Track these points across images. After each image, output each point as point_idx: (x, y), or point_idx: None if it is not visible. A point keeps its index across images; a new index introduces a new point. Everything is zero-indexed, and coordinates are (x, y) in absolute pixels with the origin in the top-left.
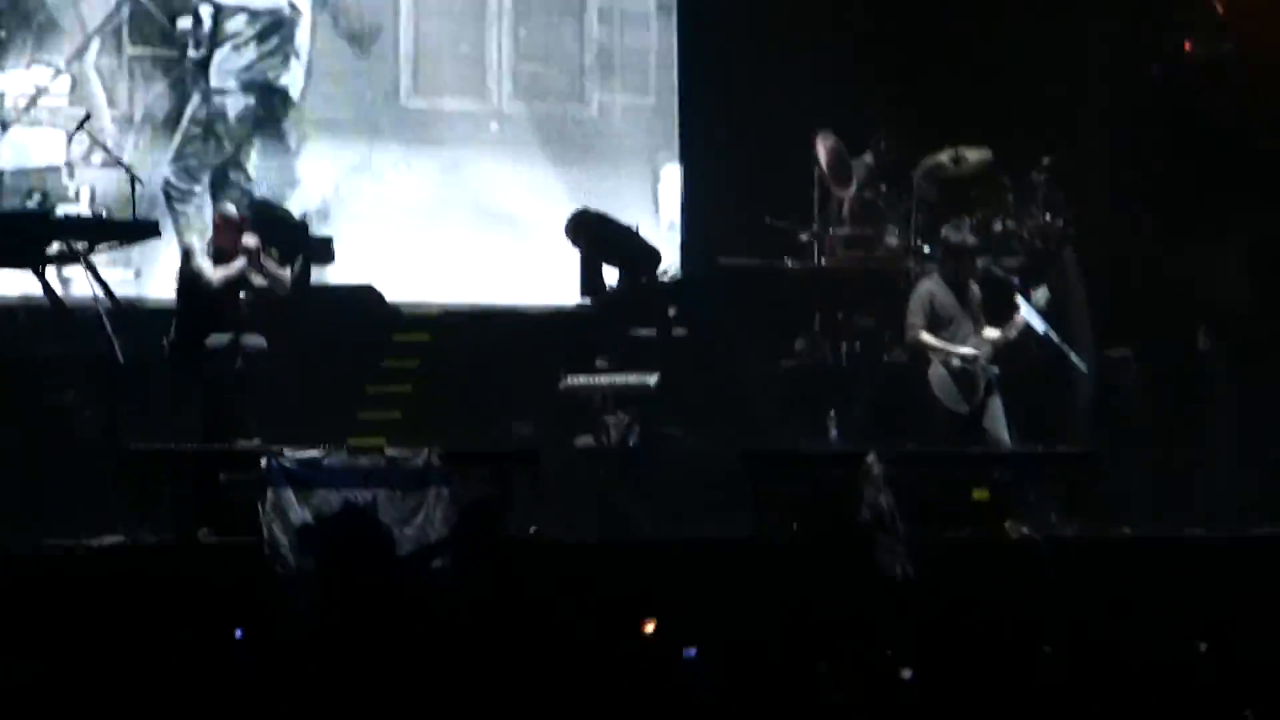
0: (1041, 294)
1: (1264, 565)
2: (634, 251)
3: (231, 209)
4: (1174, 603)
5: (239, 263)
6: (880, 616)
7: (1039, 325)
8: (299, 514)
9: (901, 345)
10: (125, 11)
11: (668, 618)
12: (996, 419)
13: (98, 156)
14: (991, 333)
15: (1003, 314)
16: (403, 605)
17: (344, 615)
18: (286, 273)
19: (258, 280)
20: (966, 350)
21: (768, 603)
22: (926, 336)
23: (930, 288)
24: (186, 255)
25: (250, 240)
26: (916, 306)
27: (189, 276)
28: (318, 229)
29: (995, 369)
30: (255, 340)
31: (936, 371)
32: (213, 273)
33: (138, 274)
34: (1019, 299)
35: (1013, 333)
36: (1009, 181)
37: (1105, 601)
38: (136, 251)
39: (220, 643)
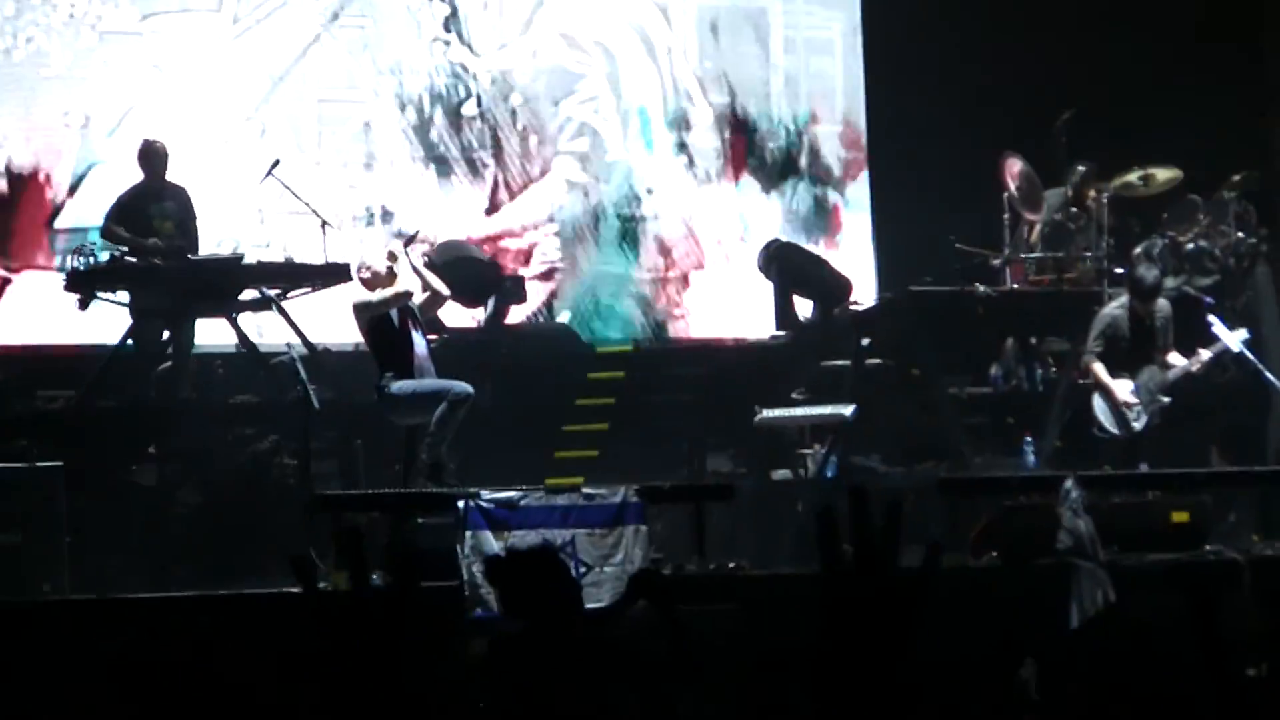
0: (1239, 335)
1: None
2: (826, 281)
3: (398, 246)
4: None
5: (399, 281)
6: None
7: (1234, 345)
8: (498, 555)
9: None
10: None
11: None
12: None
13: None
14: (1177, 360)
15: (1196, 333)
16: (597, 646)
17: (539, 656)
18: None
19: (421, 293)
20: (1125, 395)
21: (970, 629)
22: (1097, 366)
23: (1114, 313)
24: (369, 285)
25: (393, 250)
26: (1096, 331)
27: (363, 313)
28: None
29: (1166, 399)
30: (460, 387)
31: (1096, 397)
32: (375, 297)
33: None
34: (1212, 320)
35: (1196, 366)
36: (1199, 200)
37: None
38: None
39: (417, 684)
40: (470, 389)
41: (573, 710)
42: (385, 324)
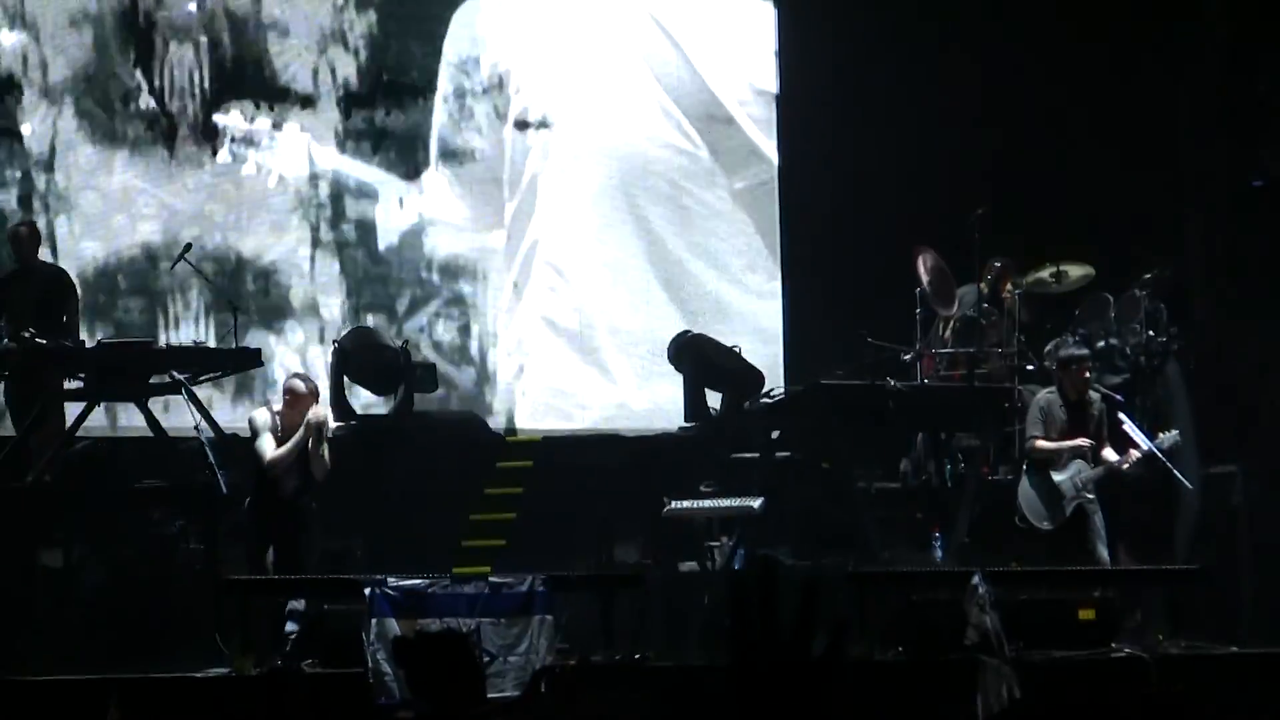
0: (1170, 437)
1: None
2: (736, 373)
3: (300, 384)
4: None
5: (292, 443)
6: None
7: (1144, 442)
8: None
9: (1005, 464)
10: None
11: None
12: (1097, 537)
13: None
14: (1110, 455)
15: (1113, 433)
16: None
17: None
18: (325, 459)
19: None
20: (1079, 444)
21: None
22: (1043, 443)
23: (1048, 398)
24: (253, 431)
25: (314, 417)
26: (1034, 417)
27: (255, 453)
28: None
29: (1090, 495)
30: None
31: (1024, 487)
32: (270, 453)
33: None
34: (1123, 418)
35: (1127, 464)
36: (1111, 298)
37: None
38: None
39: None
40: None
41: None
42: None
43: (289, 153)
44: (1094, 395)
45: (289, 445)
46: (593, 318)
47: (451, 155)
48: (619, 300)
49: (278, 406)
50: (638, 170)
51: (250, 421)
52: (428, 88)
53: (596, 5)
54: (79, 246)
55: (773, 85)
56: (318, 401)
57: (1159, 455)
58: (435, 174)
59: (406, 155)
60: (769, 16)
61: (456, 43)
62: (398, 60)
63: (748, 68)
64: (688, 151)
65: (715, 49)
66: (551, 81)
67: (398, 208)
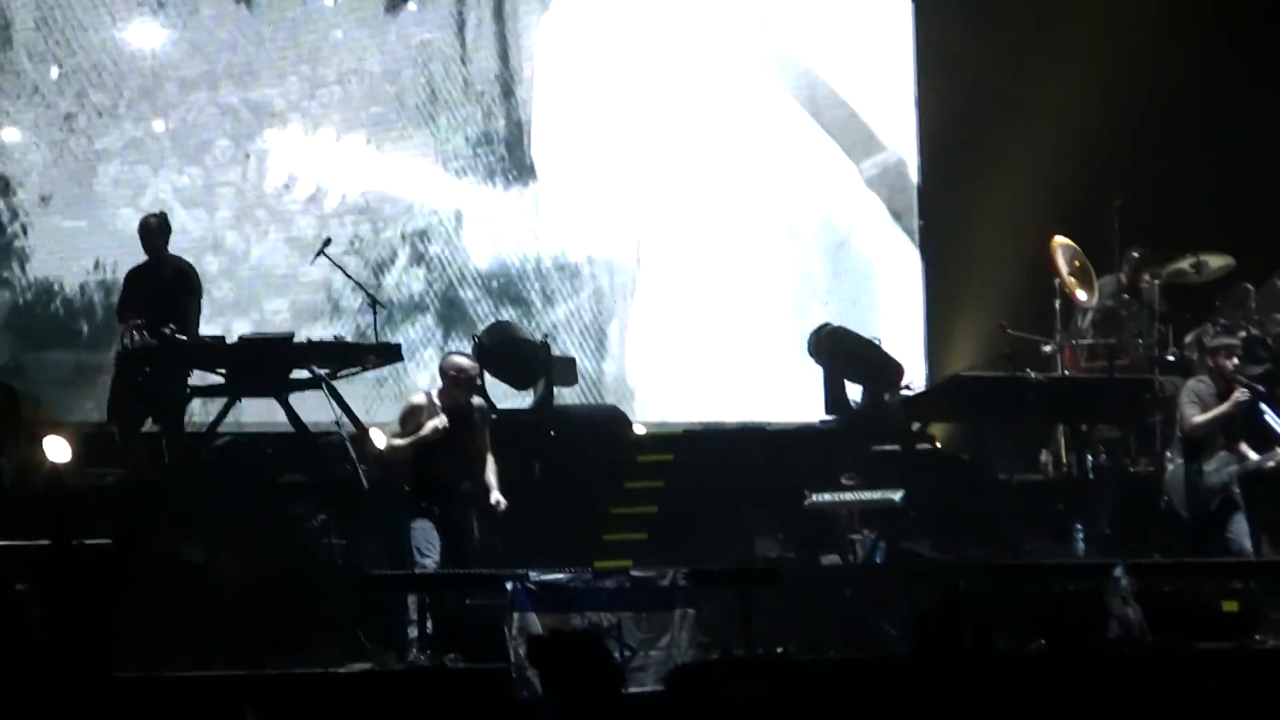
0: None
1: None
2: (877, 366)
3: (467, 362)
4: None
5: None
6: None
7: None
8: (544, 637)
9: (1146, 456)
10: None
11: None
12: (1240, 532)
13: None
14: (1250, 452)
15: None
16: None
17: None
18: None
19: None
20: (1237, 398)
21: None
22: (1201, 417)
23: (1198, 384)
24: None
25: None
26: (1189, 400)
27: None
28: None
29: (1236, 489)
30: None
31: (1173, 473)
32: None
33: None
34: (1265, 410)
35: (1271, 463)
36: (1251, 288)
37: None
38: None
39: None
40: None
41: None
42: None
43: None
44: (1236, 384)
45: (423, 430)
46: (730, 311)
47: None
48: (759, 294)
49: (434, 391)
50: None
51: (408, 408)
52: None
53: (709, 10)
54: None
55: (905, 77)
56: (482, 382)
57: None
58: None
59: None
60: (900, 10)
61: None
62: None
63: (875, 59)
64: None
65: (839, 44)
66: (673, 84)
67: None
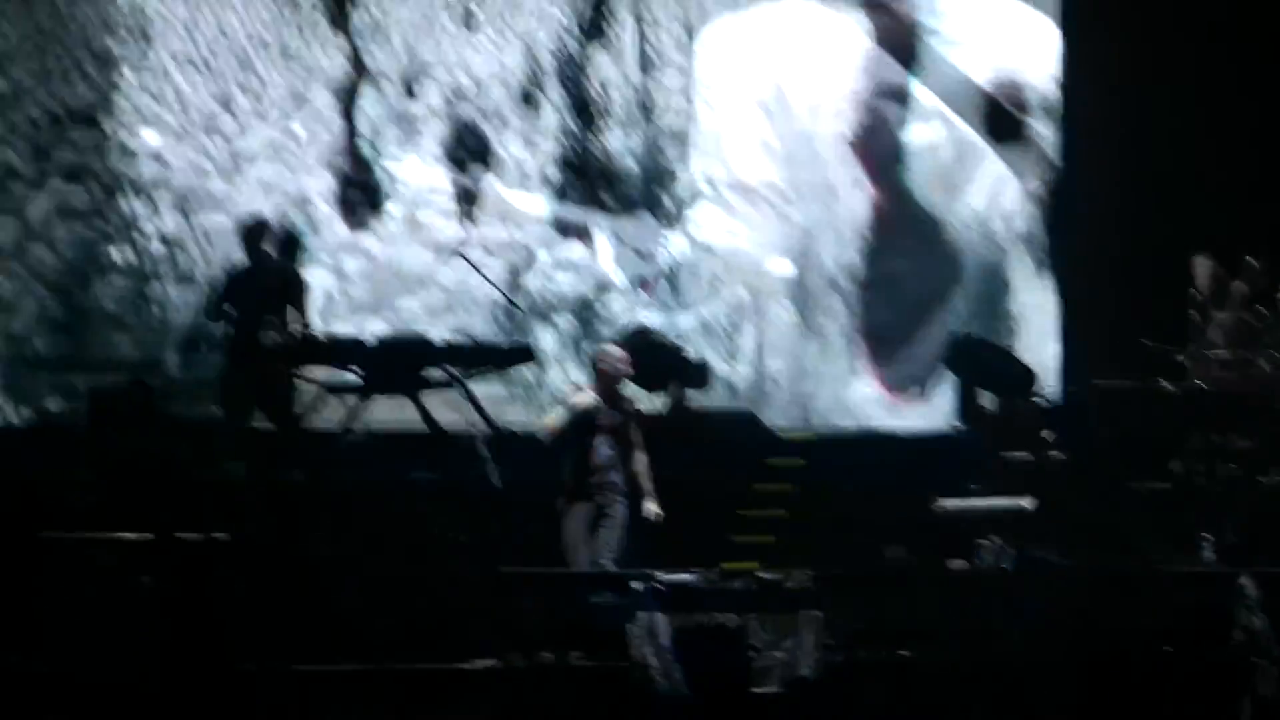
0: None
1: None
2: (1010, 374)
3: (610, 348)
4: None
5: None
6: None
7: None
8: (670, 637)
9: (1277, 466)
10: None
11: None
12: None
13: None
14: None
15: None
16: None
17: None
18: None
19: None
20: None
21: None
22: None
23: None
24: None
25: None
26: None
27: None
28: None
29: None
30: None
31: None
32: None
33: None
34: None
35: None
36: None
37: None
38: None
39: None
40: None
41: None
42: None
43: None
44: None
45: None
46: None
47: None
48: (886, 304)
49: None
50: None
51: (570, 406)
52: None
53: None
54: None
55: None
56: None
57: None
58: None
59: None
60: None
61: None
62: None
63: (1024, 66)
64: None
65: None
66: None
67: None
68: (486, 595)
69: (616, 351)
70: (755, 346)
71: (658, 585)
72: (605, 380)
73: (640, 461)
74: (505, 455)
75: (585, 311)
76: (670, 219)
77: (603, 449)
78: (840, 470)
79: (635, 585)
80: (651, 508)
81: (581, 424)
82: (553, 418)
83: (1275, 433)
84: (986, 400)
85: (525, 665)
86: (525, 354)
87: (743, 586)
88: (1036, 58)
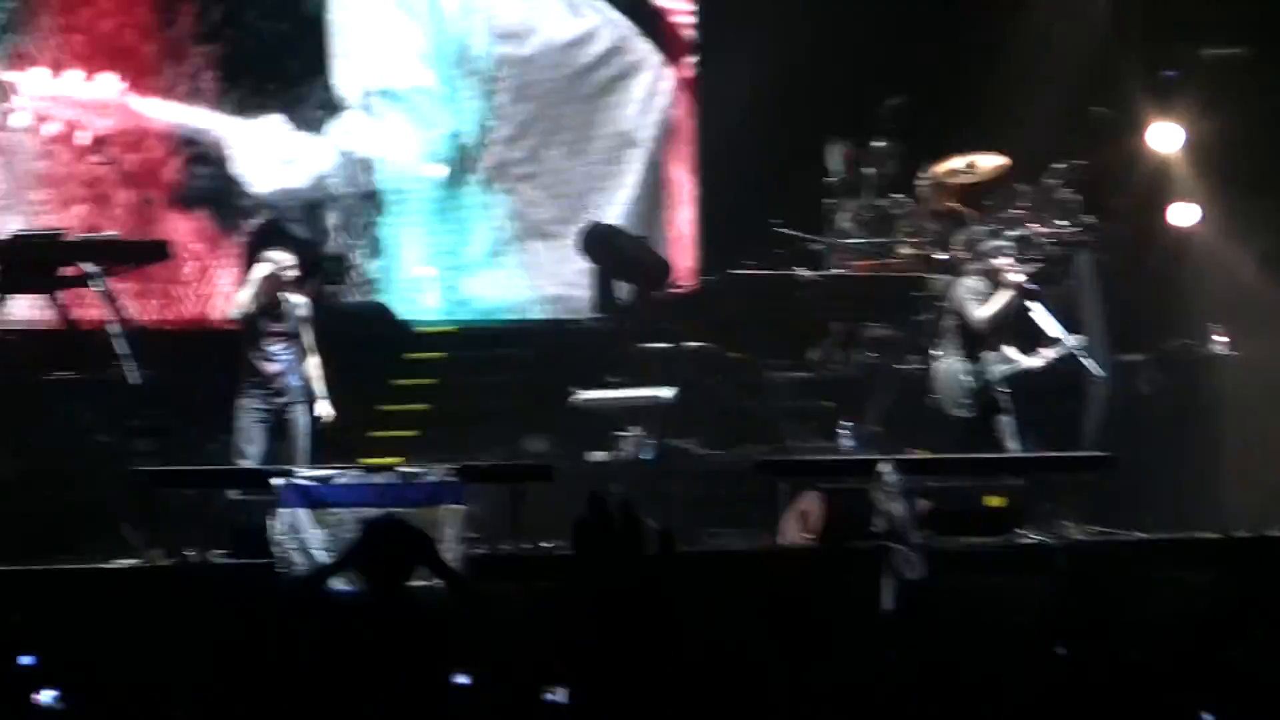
0: (1076, 340)
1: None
2: (646, 264)
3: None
4: (1189, 605)
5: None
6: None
7: (1055, 330)
8: (312, 533)
9: (915, 354)
10: None
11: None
12: (1008, 428)
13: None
14: (1016, 355)
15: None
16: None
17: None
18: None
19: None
20: (1017, 283)
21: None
22: (985, 311)
23: (974, 283)
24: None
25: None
26: (967, 297)
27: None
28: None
29: (1005, 388)
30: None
31: (944, 368)
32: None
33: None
34: (1033, 308)
35: (1038, 364)
36: (1024, 188)
37: (1119, 605)
38: None
39: (234, 664)
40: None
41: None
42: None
43: None
44: (1010, 282)
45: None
46: (503, 206)
47: None
48: (529, 189)
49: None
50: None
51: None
52: None
53: None
54: None
55: None
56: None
57: (1067, 347)
58: None
59: None
60: None
61: None
62: None
63: None
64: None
65: None
66: None
67: None
68: (127, 494)
69: (282, 255)
70: (398, 242)
71: (299, 481)
72: (271, 283)
73: (313, 364)
74: (144, 352)
75: (224, 208)
76: (313, 125)
77: (276, 353)
78: (481, 362)
79: (276, 482)
80: (325, 409)
81: (258, 316)
82: (242, 292)
83: (912, 320)
84: (624, 290)
85: (169, 564)
86: (160, 251)
87: (385, 481)
88: None
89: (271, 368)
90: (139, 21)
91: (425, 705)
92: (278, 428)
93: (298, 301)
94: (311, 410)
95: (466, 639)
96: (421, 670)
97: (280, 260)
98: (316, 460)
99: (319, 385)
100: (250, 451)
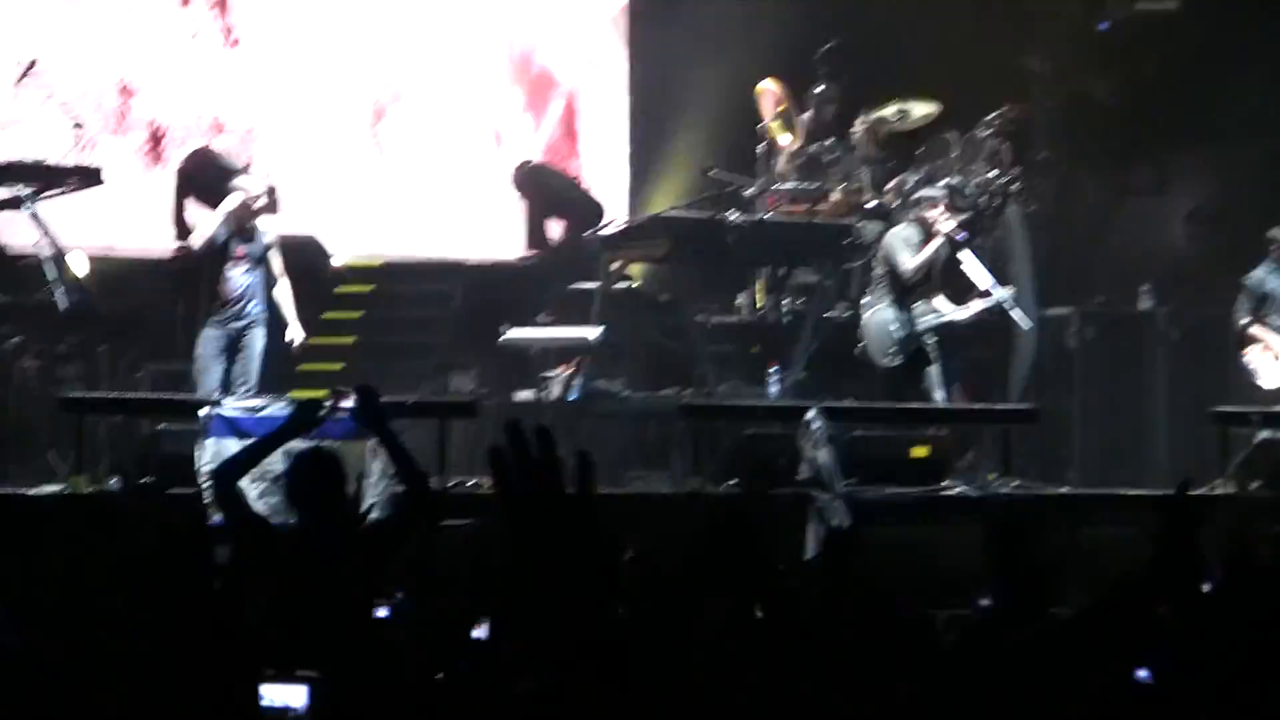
0: (1004, 292)
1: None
2: (577, 204)
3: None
4: (1112, 561)
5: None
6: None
7: (984, 281)
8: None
9: (843, 301)
10: None
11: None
12: (933, 381)
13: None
14: (944, 305)
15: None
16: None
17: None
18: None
19: None
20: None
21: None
22: (915, 260)
23: (904, 231)
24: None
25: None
26: (898, 245)
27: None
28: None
29: (932, 338)
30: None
31: (873, 316)
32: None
33: None
34: (964, 258)
35: (966, 314)
36: (954, 136)
37: (1040, 560)
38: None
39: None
40: None
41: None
42: None
43: None
44: (940, 231)
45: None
46: (430, 143)
47: None
48: (457, 127)
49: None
50: None
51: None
52: None
53: None
54: None
55: None
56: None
57: (996, 299)
58: None
59: None
60: None
61: None
62: None
63: None
64: None
65: None
66: None
67: None
68: (54, 420)
69: (254, 184)
70: (334, 176)
71: (225, 412)
72: (242, 212)
73: (284, 288)
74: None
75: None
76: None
77: (241, 277)
78: (410, 298)
79: (203, 413)
80: (297, 332)
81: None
82: (212, 222)
83: (843, 266)
84: (554, 229)
85: (94, 491)
86: (94, 177)
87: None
88: None
89: (235, 292)
90: None
91: (348, 636)
92: (233, 350)
93: (265, 228)
94: (268, 335)
95: (391, 572)
96: (345, 602)
97: (251, 189)
98: (263, 387)
99: (289, 310)
100: (207, 381)
